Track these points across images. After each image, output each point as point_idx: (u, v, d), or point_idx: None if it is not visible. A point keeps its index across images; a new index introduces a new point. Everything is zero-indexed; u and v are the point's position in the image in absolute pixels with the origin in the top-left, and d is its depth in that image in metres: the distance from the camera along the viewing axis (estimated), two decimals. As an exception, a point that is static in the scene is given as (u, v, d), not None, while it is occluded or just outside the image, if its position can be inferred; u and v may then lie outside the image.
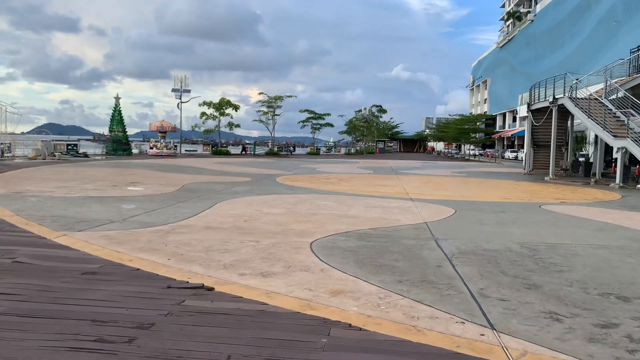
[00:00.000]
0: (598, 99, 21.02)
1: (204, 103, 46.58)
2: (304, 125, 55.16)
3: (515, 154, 53.16)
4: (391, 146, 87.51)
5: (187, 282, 4.73)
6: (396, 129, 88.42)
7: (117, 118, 37.68)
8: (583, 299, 4.55)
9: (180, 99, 44.68)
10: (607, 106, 20.18)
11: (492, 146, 69.85)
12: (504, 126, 75.00)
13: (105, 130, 39.90)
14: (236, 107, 46.99)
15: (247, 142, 72.47)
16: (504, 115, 75.78)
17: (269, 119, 49.68)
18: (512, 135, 64.62)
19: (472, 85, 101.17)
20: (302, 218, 8.82)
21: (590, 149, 28.64)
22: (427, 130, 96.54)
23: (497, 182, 20.18)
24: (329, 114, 56.30)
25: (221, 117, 46.97)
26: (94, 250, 5.93)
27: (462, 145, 69.27)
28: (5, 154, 26.66)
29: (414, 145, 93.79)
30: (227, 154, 45.94)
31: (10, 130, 28.53)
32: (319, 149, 62.71)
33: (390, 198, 12.61)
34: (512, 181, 20.81)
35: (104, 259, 5.50)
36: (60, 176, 16.50)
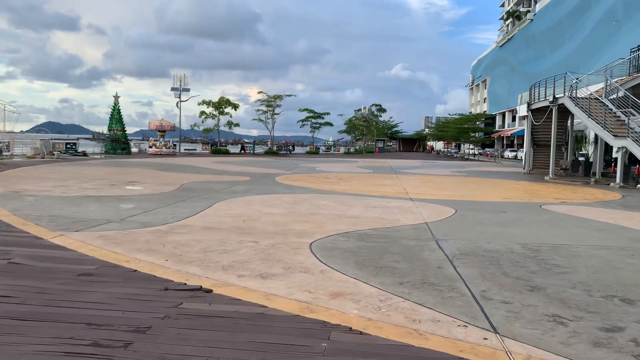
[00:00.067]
0: (598, 99, 20.97)
1: (204, 102, 46.55)
2: (304, 125, 55.08)
3: (514, 153, 53.10)
4: (390, 145, 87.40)
5: (185, 283, 4.66)
6: (395, 129, 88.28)
7: (116, 117, 37.61)
8: (587, 301, 4.49)
9: (179, 97, 44.61)
10: (607, 106, 20.14)
11: (491, 145, 69.78)
12: (503, 125, 74.94)
13: (104, 129, 39.81)
14: (235, 106, 46.93)
15: (247, 141, 72.35)
16: (503, 114, 75.72)
17: (268, 118, 49.58)
18: (511, 134, 64.55)
19: (471, 85, 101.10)
20: (302, 218, 8.75)
21: (590, 149, 28.59)
22: (427, 130, 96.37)
23: (497, 182, 20.13)
24: (328, 113, 56.30)
25: (220, 116, 46.99)
26: (90, 250, 5.85)
27: (462, 145, 69.22)
28: (3, 153, 26.60)
29: (413, 145, 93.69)
30: (227, 153, 45.81)
31: (9, 129, 28.50)
32: (319, 148, 62.61)
33: (390, 198, 12.55)
34: (512, 181, 20.76)
35: (100, 260, 5.43)
36: (58, 175, 16.42)
